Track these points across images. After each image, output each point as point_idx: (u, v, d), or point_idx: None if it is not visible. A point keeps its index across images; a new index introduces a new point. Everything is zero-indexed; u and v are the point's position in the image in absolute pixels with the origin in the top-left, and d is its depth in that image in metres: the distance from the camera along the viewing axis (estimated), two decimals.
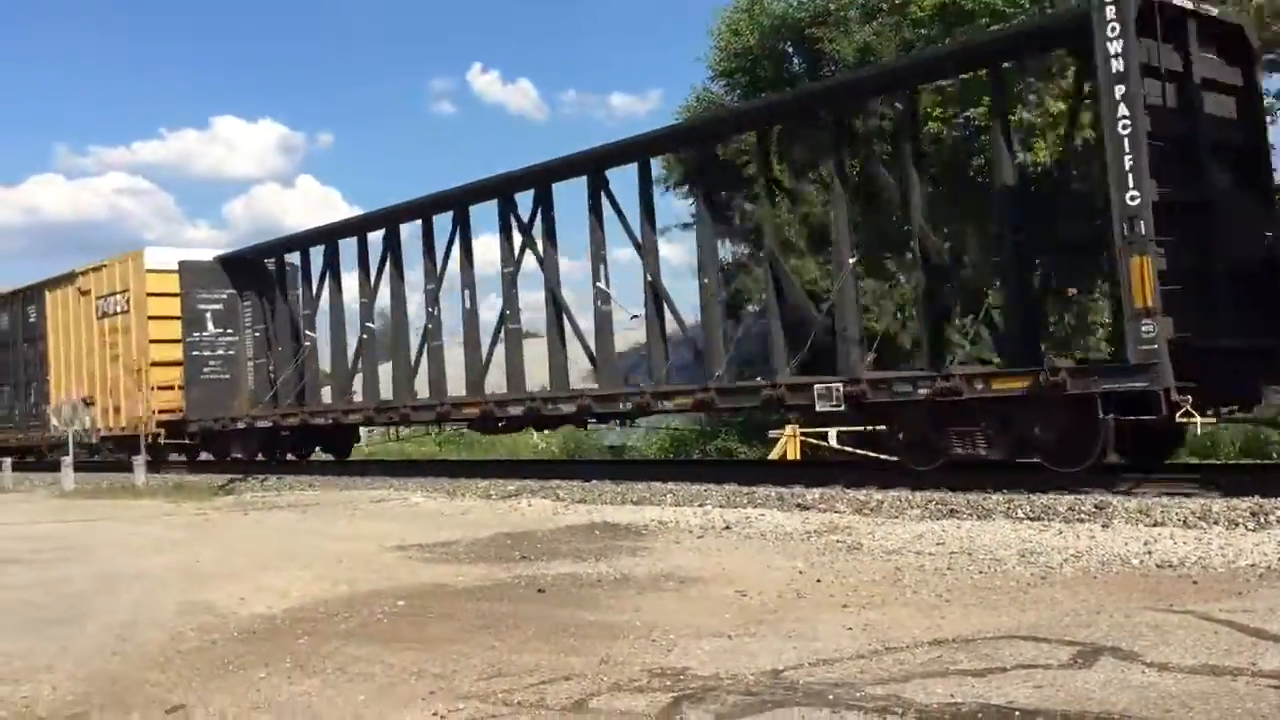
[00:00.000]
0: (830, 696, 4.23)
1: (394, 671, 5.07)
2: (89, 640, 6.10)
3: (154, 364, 22.18)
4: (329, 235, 20.52)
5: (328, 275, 20.25)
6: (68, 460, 21.88)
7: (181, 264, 22.14)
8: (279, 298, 21.74)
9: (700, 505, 11.06)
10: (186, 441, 23.07)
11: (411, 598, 6.86)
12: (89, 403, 24.74)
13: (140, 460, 20.92)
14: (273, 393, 21.17)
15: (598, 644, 5.37)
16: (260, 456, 21.31)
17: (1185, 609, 5.44)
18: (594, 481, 13.88)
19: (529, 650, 5.34)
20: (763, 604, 6.17)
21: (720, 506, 10.87)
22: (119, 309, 23.64)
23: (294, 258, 21.75)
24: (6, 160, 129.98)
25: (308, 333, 20.91)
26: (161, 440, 22.61)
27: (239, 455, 21.60)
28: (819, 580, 6.78)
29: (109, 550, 10.23)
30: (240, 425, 21.15)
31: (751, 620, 5.75)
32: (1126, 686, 4.16)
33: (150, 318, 22.50)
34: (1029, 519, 8.74)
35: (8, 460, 24.47)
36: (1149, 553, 6.97)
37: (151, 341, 22.40)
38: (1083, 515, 8.58)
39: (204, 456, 24.28)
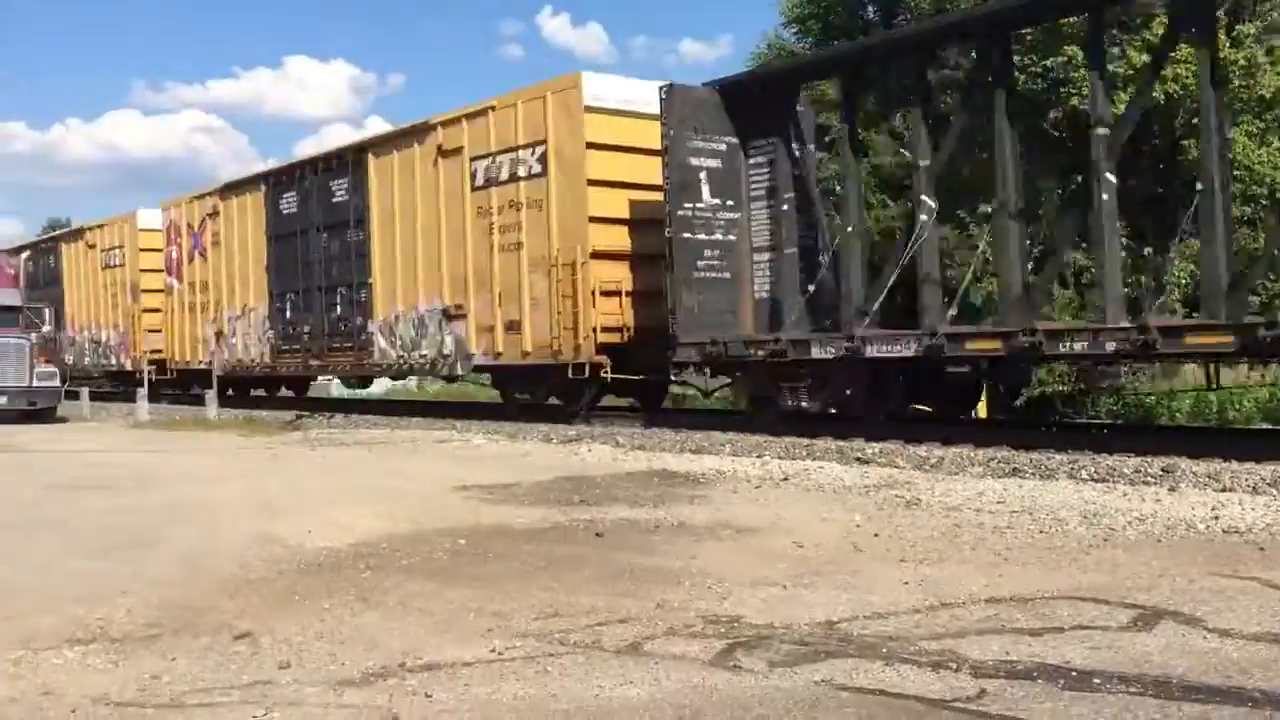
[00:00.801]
0: (884, 649, 4.25)
1: (453, 607, 5.17)
2: (161, 566, 6.30)
3: (595, 254, 14.73)
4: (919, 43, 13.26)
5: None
6: (142, 391, 22.49)
7: (671, 91, 13.79)
8: (796, 150, 14.09)
9: (759, 456, 11.07)
10: (662, 376, 14.99)
11: (472, 537, 6.97)
12: (453, 314, 16.91)
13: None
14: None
15: (654, 589, 5.42)
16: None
17: (1250, 575, 5.35)
18: (653, 429, 13.93)
19: (585, 592, 5.41)
20: (819, 555, 6.18)
21: (779, 458, 10.87)
22: (520, 171, 15.63)
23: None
24: (86, 95, 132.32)
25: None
26: (606, 374, 14.67)
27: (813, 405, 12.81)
28: (876, 534, 6.78)
29: (180, 479, 10.52)
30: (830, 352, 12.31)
31: (807, 571, 5.77)
32: (1186, 651, 4.12)
33: (592, 182, 14.79)
34: (1093, 480, 8.62)
35: (85, 390, 25.30)
36: (1215, 518, 6.86)
37: (591, 220, 14.78)
38: (1149, 478, 8.44)
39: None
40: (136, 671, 4.29)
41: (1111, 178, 10.59)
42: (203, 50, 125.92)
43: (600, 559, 6.23)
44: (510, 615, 4.99)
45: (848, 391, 12.47)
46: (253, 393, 25.22)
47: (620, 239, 14.99)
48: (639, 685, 3.93)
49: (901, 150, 17.72)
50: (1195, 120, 12.35)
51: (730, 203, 14.02)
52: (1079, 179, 15.10)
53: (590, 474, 10.14)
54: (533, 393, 16.29)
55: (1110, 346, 10.15)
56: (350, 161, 19.34)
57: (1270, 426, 14.79)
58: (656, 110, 13.88)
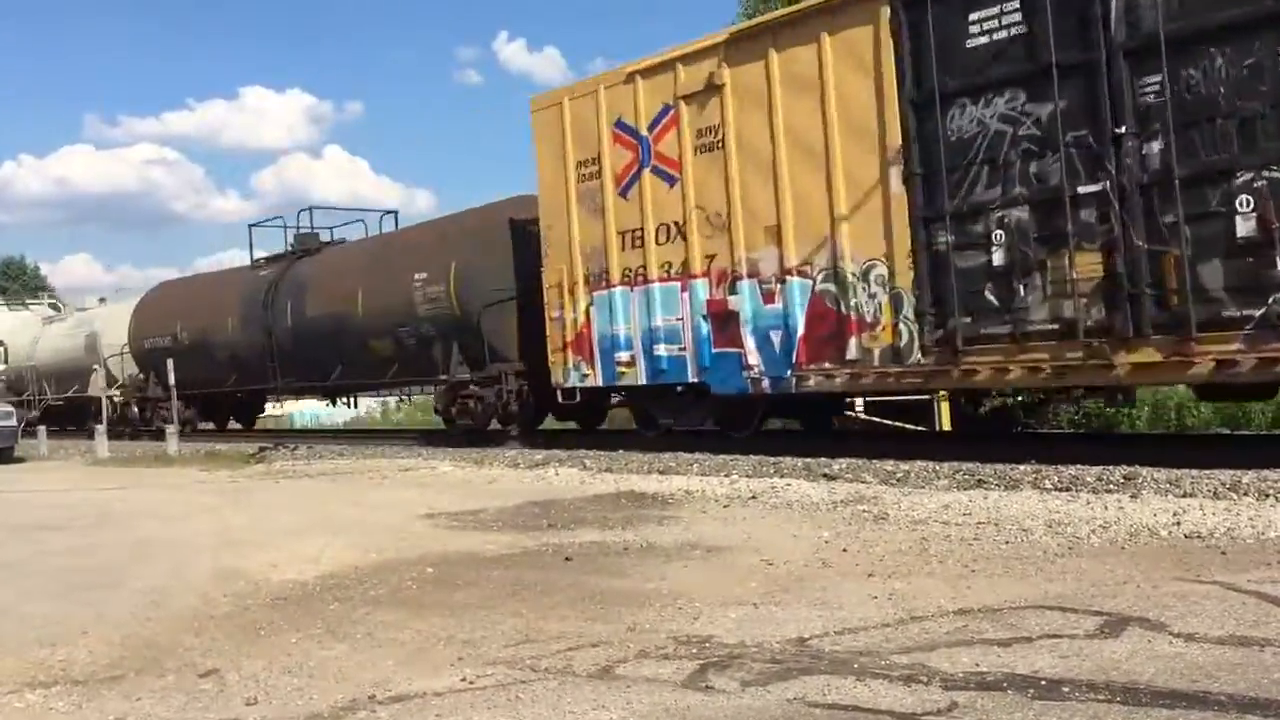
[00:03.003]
0: (855, 665, 4.26)
1: (423, 637, 5.13)
2: (124, 605, 6.20)
3: None
4: None
5: None
6: (100, 428, 22.19)
7: None
8: None
9: (726, 475, 11.08)
10: None
11: (440, 565, 6.93)
12: None
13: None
14: None
15: (624, 611, 5.41)
16: None
17: (1213, 580, 5.41)
18: (620, 450, 13.92)
19: (556, 617, 5.39)
20: (788, 573, 6.19)
21: (746, 476, 10.88)
22: None
23: None
24: (37, 131, 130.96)
25: None
26: None
27: None
28: (845, 550, 6.80)
29: (143, 516, 10.38)
30: None
31: (777, 589, 5.77)
32: (1153, 656, 4.16)
33: None
34: (1057, 489, 8.70)
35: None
36: (1177, 523, 6.94)
37: None
38: (1111, 486, 8.53)
39: None
40: (100, 713, 4.22)
41: None
42: (156, 82, 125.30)
43: (570, 583, 6.21)
44: (480, 643, 4.96)
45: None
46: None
47: None
48: (611, 709, 3.91)
49: None
50: None
51: None
52: None
53: (558, 498, 10.11)
54: None
55: None
56: None
57: (1228, 432, 15.01)
58: None
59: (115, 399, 26.89)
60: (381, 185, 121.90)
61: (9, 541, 9.13)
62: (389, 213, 22.72)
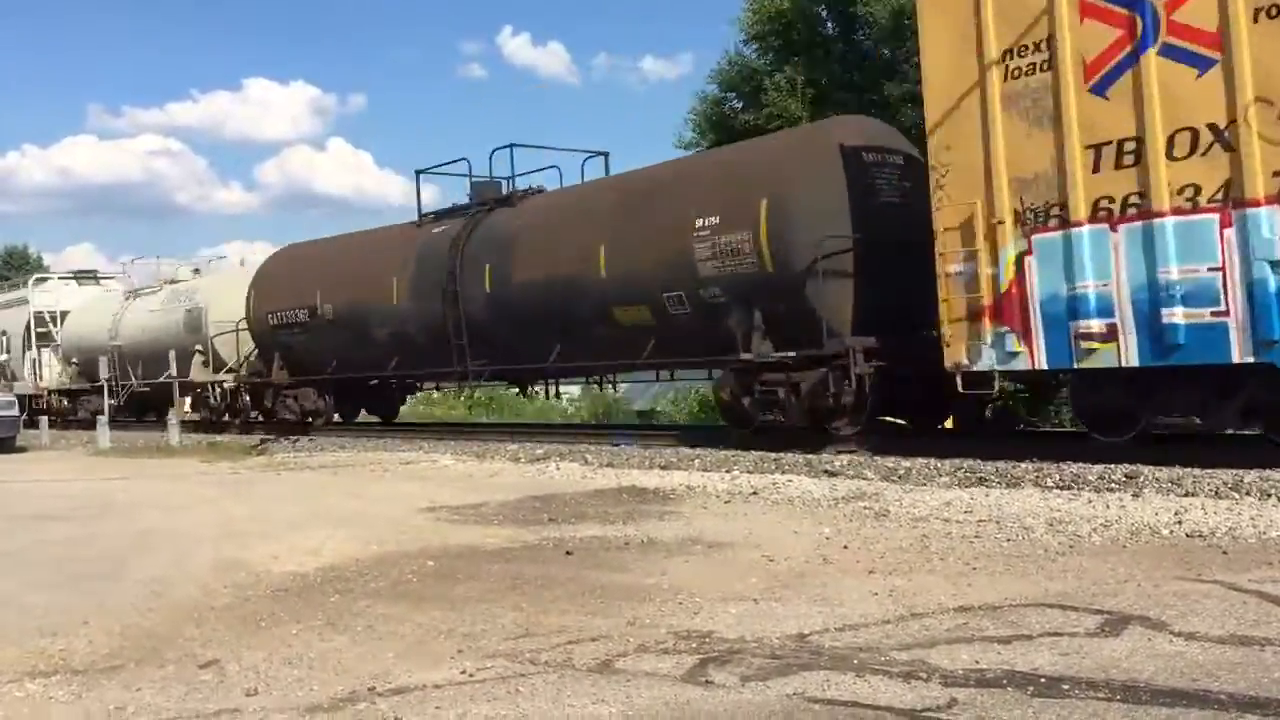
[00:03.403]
0: (855, 661, 4.25)
1: (423, 630, 5.13)
2: (124, 595, 6.21)
3: None
4: None
5: None
6: (103, 419, 22.16)
7: None
8: None
9: (727, 471, 11.08)
10: None
11: (441, 558, 6.93)
12: None
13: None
14: None
15: (624, 606, 5.41)
16: None
17: (1214, 579, 5.41)
18: (621, 445, 13.92)
19: (556, 611, 5.39)
20: (789, 569, 6.19)
21: (748, 472, 10.89)
22: None
23: None
24: (41, 121, 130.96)
25: None
26: None
27: None
28: (846, 546, 6.80)
29: (144, 507, 10.39)
30: None
31: (777, 585, 5.77)
32: (1153, 655, 4.15)
33: None
34: (1058, 487, 8.70)
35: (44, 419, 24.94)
36: (1179, 522, 6.94)
37: None
38: (1113, 484, 8.53)
39: None
40: (100, 703, 4.23)
41: None
42: (161, 73, 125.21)
43: (570, 577, 6.21)
44: (480, 636, 4.96)
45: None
46: None
47: None
48: (611, 703, 3.91)
49: None
50: None
51: None
52: None
53: (559, 492, 10.12)
54: None
55: None
56: None
57: (1231, 432, 14.97)
58: None
59: (225, 385, 22.82)
60: (385, 178, 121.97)
61: (10, 531, 9.14)
62: (596, 154, 17.44)
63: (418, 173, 23.12)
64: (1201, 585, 5.28)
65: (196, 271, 27.55)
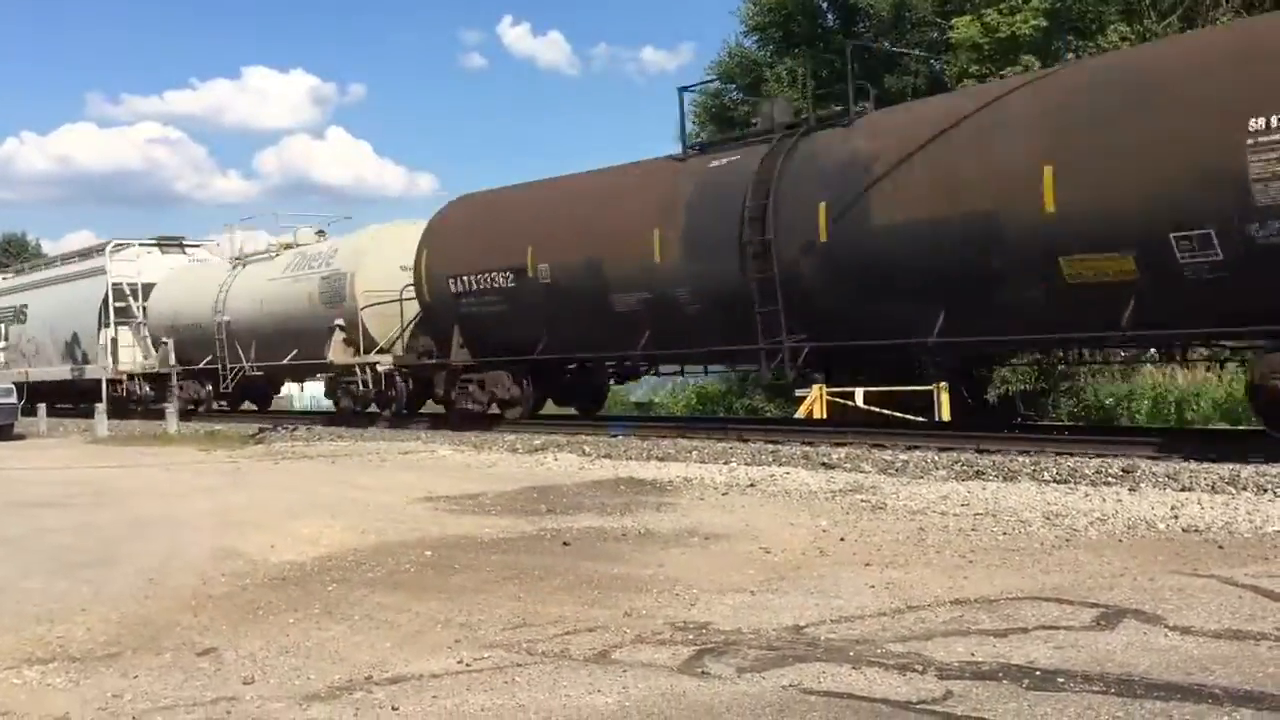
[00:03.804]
0: (851, 653, 4.26)
1: (420, 619, 5.14)
2: (122, 583, 6.21)
3: None
4: None
5: None
6: (100, 407, 22.13)
7: None
8: None
9: (725, 462, 11.09)
10: None
11: (438, 548, 6.94)
12: None
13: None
14: None
15: (621, 597, 5.42)
16: None
17: (1210, 573, 5.42)
18: (619, 436, 13.93)
19: (553, 602, 5.40)
20: (786, 561, 6.20)
21: (745, 464, 10.89)
22: None
23: None
24: (39, 108, 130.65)
25: None
26: None
27: None
28: (842, 538, 6.81)
29: (141, 495, 10.39)
30: None
31: (774, 576, 5.78)
32: (1149, 649, 4.16)
33: None
34: (1055, 481, 8.71)
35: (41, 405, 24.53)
36: (1175, 517, 6.95)
37: None
38: (1110, 479, 8.54)
39: None
40: (98, 690, 4.23)
41: None
42: (160, 61, 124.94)
43: (568, 568, 6.21)
44: (478, 626, 4.97)
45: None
46: None
47: None
48: (607, 694, 3.92)
49: None
50: None
51: None
52: None
53: (557, 483, 10.12)
54: None
55: None
56: None
57: (1228, 427, 15.01)
58: None
59: (380, 368, 18.39)
60: (384, 168, 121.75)
61: (8, 519, 9.14)
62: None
63: (681, 90, 17.14)
64: (1197, 580, 5.29)
65: (321, 233, 22.55)
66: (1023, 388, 18.15)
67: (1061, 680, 3.80)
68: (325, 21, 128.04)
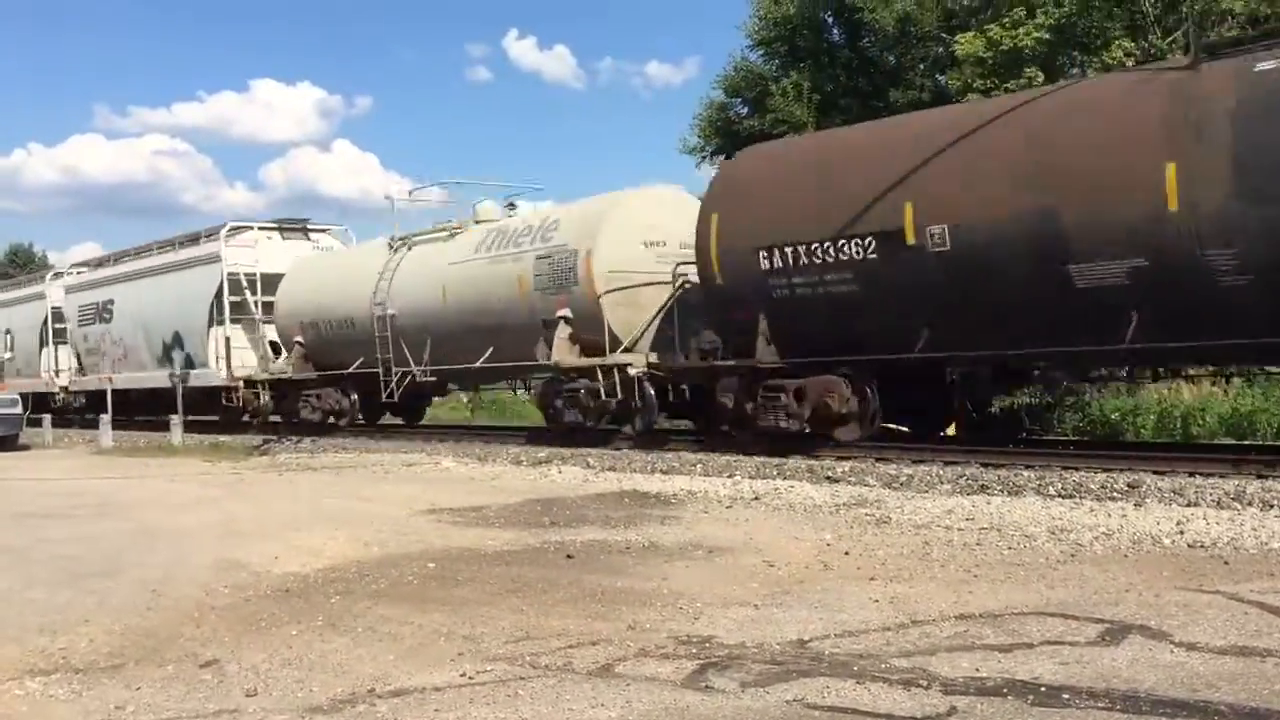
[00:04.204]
0: (855, 668, 4.25)
1: (423, 632, 5.13)
2: (125, 594, 6.21)
3: None
4: None
5: None
6: (105, 418, 22.13)
7: None
8: None
9: (729, 476, 11.07)
10: None
11: (442, 561, 6.93)
12: None
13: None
14: None
15: (625, 610, 5.41)
16: None
17: (1215, 589, 5.40)
18: (623, 450, 13.91)
19: (557, 615, 5.39)
20: (790, 574, 6.18)
21: (750, 477, 10.87)
22: None
23: None
24: (47, 120, 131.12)
25: None
26: None
27: None
28: (847, 552, 6.79)
29: (145, 506, 10.39)
30: None
31: (778, 590, 5.77)
32: (1154, 665, 4.14)
33: None
34: (1060, 496, 8.68)
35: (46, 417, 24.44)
36: (1181, 532, 6.92)
37: None
38: (1115, 494, 8.52)
39: None
40: (100, 702, 4.23)
41: None
42: (167, 74, 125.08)
43: (571, 581, 6.20)
44: (481, 639, 4.96)
45: None
46: None
47: None
48: (610, 708, 3.91)
49: None
50: None
51: None
52: None
53: (561, 496, 10.11)
54: None
55: None
56: None
57: (1234, 442, 14.94)
58: None
59: (630, 371, 14.14)
60: (391, 180, 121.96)
61: (11, 529, 9.15)
62: None
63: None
64: (1203, 595, 5.27)
65: (511, 206, 17.89)
66: (1028, 402, 18.09)
67: (1066, 696, 3.79)
68: (332, 35, 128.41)
